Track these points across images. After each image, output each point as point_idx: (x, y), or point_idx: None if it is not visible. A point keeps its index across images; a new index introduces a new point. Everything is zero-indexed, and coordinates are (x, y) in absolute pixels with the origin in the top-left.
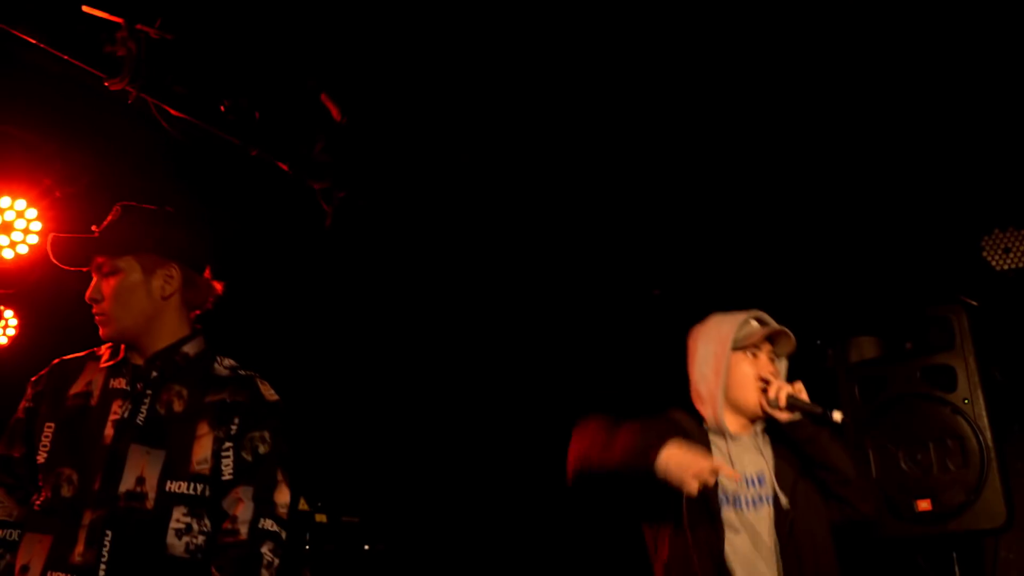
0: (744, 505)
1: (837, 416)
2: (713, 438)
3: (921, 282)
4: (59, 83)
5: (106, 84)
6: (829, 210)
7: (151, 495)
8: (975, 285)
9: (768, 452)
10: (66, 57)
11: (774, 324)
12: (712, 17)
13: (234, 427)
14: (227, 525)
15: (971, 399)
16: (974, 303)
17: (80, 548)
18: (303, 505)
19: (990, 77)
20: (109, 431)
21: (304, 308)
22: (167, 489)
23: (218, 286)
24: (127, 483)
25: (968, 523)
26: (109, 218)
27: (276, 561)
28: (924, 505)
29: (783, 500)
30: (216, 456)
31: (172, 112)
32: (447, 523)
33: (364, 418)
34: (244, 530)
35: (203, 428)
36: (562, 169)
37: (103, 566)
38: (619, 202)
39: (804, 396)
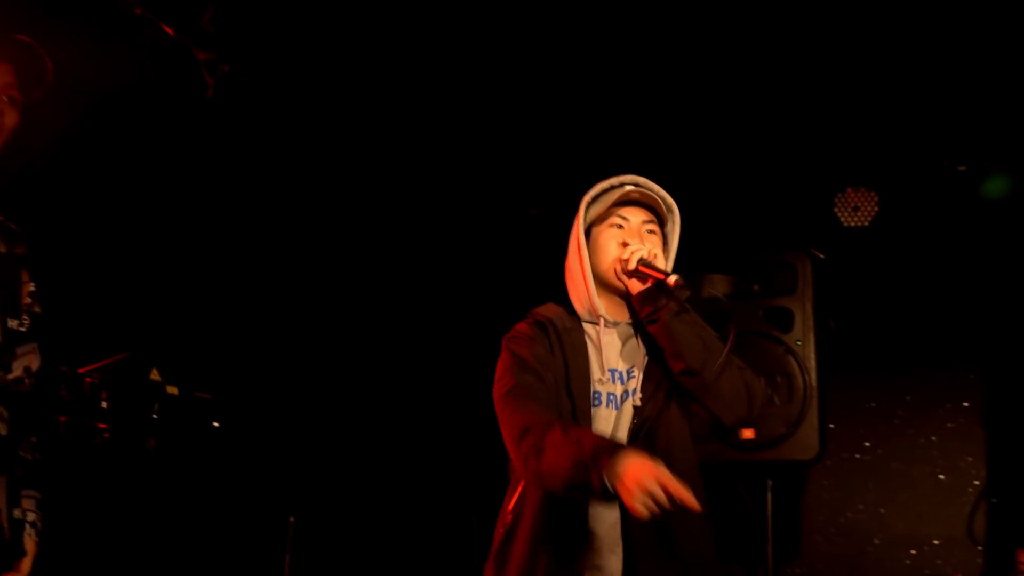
0: (606, 403)
1: (672, 279)
2: (586, 327)
3: (777, 231)
4: None
5: None
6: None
7: None
8: (824, 238)
9: (644, 346)
10: None
11: (644, 185)
12: None
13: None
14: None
15: (803, 341)
16: (821, 255)
17: None
18: (155, 375)
19: (857, 46)
20: None
21: (180, 179)
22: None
23: None
24: None
25: (785, 453)
26: None
27: None
28: (748, 434)
29: (636, 398)
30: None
31: None
32: (299, 410)
33: (232, 297)
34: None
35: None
36: (440, 79)
37: None
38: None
39: (660, 262)
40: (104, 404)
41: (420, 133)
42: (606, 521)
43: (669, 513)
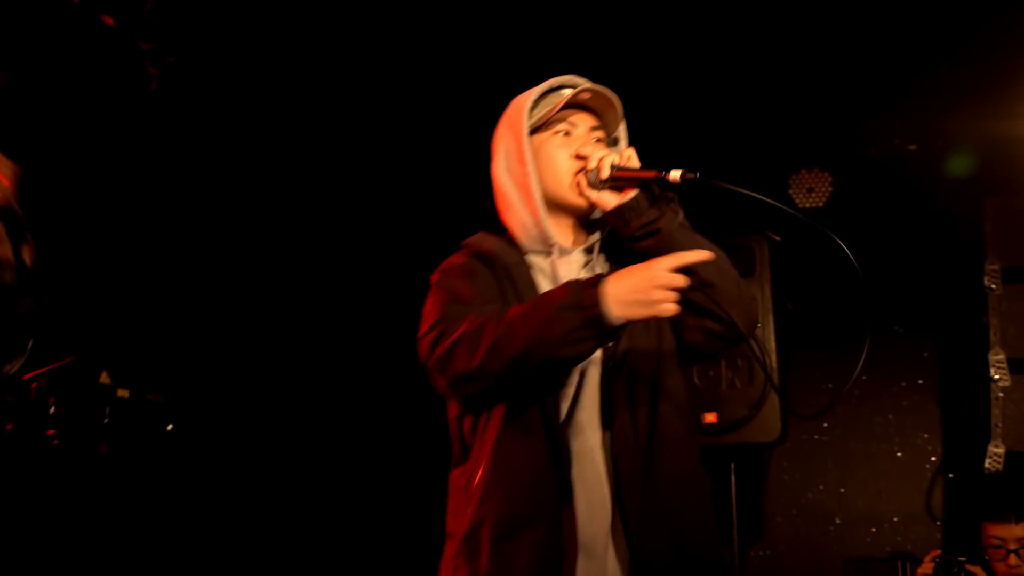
0: None
1: (675, 175)
2: (533, 259)
3: (732, 214)
4: None
5: None
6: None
7: None
8: (780, 220)
9: (606, 270)
10: None
11: (584, 83)
12: None
13: None
14: None
15: (763, 323)
16: (777, 238)
17: None
18: (105, 378)
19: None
20: None
21: (127, 177)
22: None
23: None
24: None
25: (746, 436)
26: None
27: None
28: (711, 418)
29: None
30: None
31: None
32: (255, 408)
33: (180, 296)
34: None
35: None
36: (398, 70)
37: None
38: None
39: (636, 164)
40: (52, 410)
41: (375, 125)
42: (593, 491)
43: (660, 474)
